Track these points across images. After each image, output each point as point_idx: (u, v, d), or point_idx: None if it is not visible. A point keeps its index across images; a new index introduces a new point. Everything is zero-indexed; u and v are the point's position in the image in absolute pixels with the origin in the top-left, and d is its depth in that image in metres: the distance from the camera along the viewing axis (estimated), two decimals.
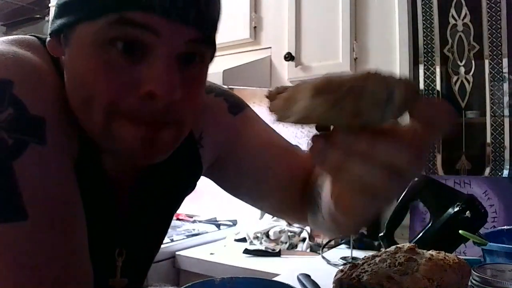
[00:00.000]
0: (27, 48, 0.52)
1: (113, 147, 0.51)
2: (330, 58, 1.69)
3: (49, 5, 2.83)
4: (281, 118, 0.37)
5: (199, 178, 0.75)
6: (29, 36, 0.56)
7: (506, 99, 1.47)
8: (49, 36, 0.52)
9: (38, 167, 0.46)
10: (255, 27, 1.91)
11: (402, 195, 1.08)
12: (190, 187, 0.74)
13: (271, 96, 0.39)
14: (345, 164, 0.35)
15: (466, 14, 1.55)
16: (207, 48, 0.52)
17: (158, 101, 0.47)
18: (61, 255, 0.46)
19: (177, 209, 0.76)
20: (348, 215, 0.43)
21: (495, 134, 1.49)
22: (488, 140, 1.50)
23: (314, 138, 0.37)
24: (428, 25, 1.61)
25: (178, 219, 2.07)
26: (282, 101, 0.37)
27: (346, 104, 0.32)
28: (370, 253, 0.72)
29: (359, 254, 1.37)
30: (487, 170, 1.50)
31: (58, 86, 0.51)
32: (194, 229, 1.84)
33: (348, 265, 0.68)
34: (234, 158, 0.72)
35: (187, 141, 0.65)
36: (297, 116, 0.35)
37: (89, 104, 0.48)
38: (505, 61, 1.47)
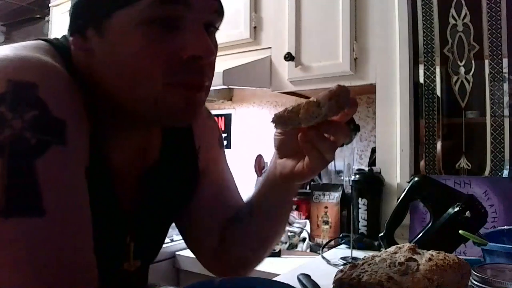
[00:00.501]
0: (45, 53, 0.55)
1: (162, 114, 0.57)
2: (330, 58, 1.70)
3: (49, 5, 2.83)
4: (292, 125, 0.59)
5: (197, 181, 0.81)
6: (40, 41, 0.60)
7: (506, 99, 1.47)
8: (69, 35, 0.57)
9: (58, 167, 0.49)
10: (255, 27, 1.91)
11: (403, 195, 1.08)
12: (189, 189, 0.80)
13: (277, 119, 0.59)
14: (317, 142, 0.59)
15: (466, 14, 1.55)
16: (221, 18, 0.60)
17: (201, 61, 0.55)
18: (71, 254, 0.48)
19: (179, 206, 0.82)
20: (304, 178, 0.66)
21: (495, 134, 1.49)
22: (488, 140, 1.50)
23: (309, 130, 0.59)
24: (428, 25, 1.61)
25: None
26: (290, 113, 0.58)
27: (328, 107, 0.56)
28: (370, 253, 0.72)
29: (359, 254, 1.37)
30: (487, 170, 1.50)
31: (76, 90, 0.54)
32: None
33: (348, 265, 0.68)
34: (203, 181, 0.81)
35: (189, 148, 0.77)
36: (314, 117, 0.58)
37: (143, 78, 0.55)
38: (505, 61, 1.47)
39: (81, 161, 0.53)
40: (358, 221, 1.61)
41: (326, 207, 1.69)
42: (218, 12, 0.58)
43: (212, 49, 0.56)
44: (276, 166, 0.70)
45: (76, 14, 0.56)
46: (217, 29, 0.61)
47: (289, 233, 1.73)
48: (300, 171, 0.64)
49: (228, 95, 2.50)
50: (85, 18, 0.55)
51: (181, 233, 0.87)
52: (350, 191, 1.67)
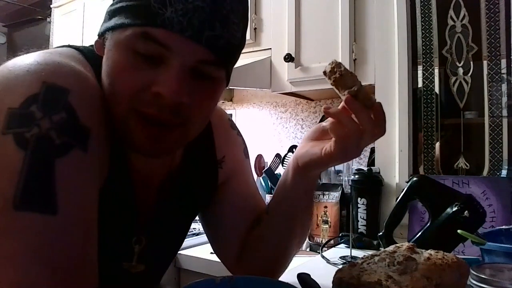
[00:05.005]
0: (77, 63, 0.58)
1: (127, 139, 0.59)
2: (329, 59, 1.68)
3: (51, 6, 2.84)
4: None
5: (213, 192, 0.84)
6: (70, 49, 0.62)
7: (504, 99, 1.48)
8: (97, 36, 0.61)
9: (76, 170, 0.50)
10: (255, 28, 1.92)
11: (401, 195, 1.08)
12: (206, 198, 0.84)
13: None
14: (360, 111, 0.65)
15: (464, 15, 1.56)
16: (218, 70, 0.59)
17: (164, 101, 0.54)
18: (77, 255, 0.48)
19: (196, 213, 0.86)
20: (329, 159, 0.69)
21: (493, 134, 1.49)
22: (487, 140, 1.51)
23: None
24: (427, 26, 1.62)
25: None
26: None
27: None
28: (369, 252, 0.73)
29: (358, 253, 1.38)
30: (486, 170, 1.50)
31: (102, 99, 0.57)
32: (194, 229, 1.84)
33: (348, 264, 0.68)
34: (227, 188, 0.85)
35: (210, 158, 0.80)
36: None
37: (115, 96, 0.56)
38: (503, 62, 1.48)
39: (97, 169, 0.55)
40: (357, 221, 1.61)
41: (325, 207, 1.70)
42: (210, 62, 0.56)
43: (180, 93, 0.54)
44: (298, 158, 0.74)
45: (104, 19, 0.60)
46: (216, 78, 0.59)
47: None
48: (327, 152, 0.68)
49: (228, 96, 2.51)
50: (105, 26, 0.59)
51: (209, 238, 0.90)
52: (349, 190, 1.67)
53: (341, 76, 0.67)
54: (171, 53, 0.54)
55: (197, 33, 0.53)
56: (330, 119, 0.67)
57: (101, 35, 0.60)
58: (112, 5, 0.59)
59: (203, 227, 0.91)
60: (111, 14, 0.58)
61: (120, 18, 0.55)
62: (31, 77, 0.51)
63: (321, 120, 2.06)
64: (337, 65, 0.68)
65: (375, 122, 0.65)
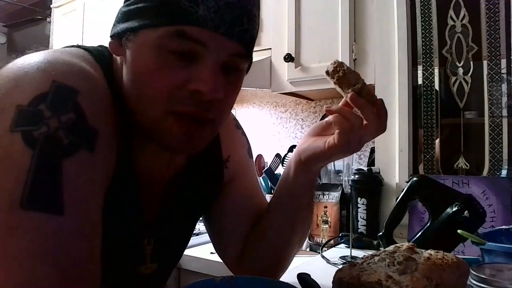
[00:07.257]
0: (87, 64, 0.58)
1: (161, 138, 0.60)
2: (329, 59, 1.68)
3: (51, 6, 2.84)
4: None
5: (219, 192, 0.84)
6: (80, 49, 0.62)
7: (504, 99, 1.48)
8: (110, 37, 0.60)
9: (83, 171, 0.50)
10: None
11: (401, 195, 1.08)
12: (212, 197, 0.84)
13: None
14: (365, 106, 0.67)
15: (464, 15, 1.56)
16: (245, 61, 0.61)
17: (203, 97, 0.55)
18: (81, 256, 0.48)
19: (201, 213, 0.86)
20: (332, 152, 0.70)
21: (493, 134, 1.49)
22: (486, 140, 1.51)
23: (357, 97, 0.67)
24: (427, 26, 1.62)
25: None
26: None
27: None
28: (369, 252, 0.73)
29: (358, 253, 1.38)
30: (485, 170, 1.51)
31: (111, 100, 0.57)
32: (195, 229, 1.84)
33: (348, 264, 0.68)
34: (230, 188, 0.85)
35: (216, 158, 0.81)
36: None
37: (147, 99, 0.57)
38: (503, 62, 1.48)
39: (104, 171, 0.55)
40: (357, 221, 1.61)
41: (325, 207, 1.70)
42: (240, 55, 0.59)
43: (217, 88, 0.56)
44: (300, 153, 0.75)
45: (118, 19, 0.60)
46: (240, 70, 0.62)
47: None
48: (331, 144, 0.69)
49: None
50: (123, 27, 0.58)
51: (210, 237, 0.90)
52: (349, 190, 1.67)
53: (344, 75, 0.67)
54: (205, 50, 0.55)
55: (229, 29, 0.55)
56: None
57: (118, 36, 0.59)
58: (128, 5, 0.58)
59: (205, 226, 0.91)
60: (129, 14, 0.57)
61: (145, 18, 0.55)
62: (41, 76, 0.51)
63: (321, 120, 2.06)
64: (339, 65, 0.68)
65: (378, 117, 0.67)
